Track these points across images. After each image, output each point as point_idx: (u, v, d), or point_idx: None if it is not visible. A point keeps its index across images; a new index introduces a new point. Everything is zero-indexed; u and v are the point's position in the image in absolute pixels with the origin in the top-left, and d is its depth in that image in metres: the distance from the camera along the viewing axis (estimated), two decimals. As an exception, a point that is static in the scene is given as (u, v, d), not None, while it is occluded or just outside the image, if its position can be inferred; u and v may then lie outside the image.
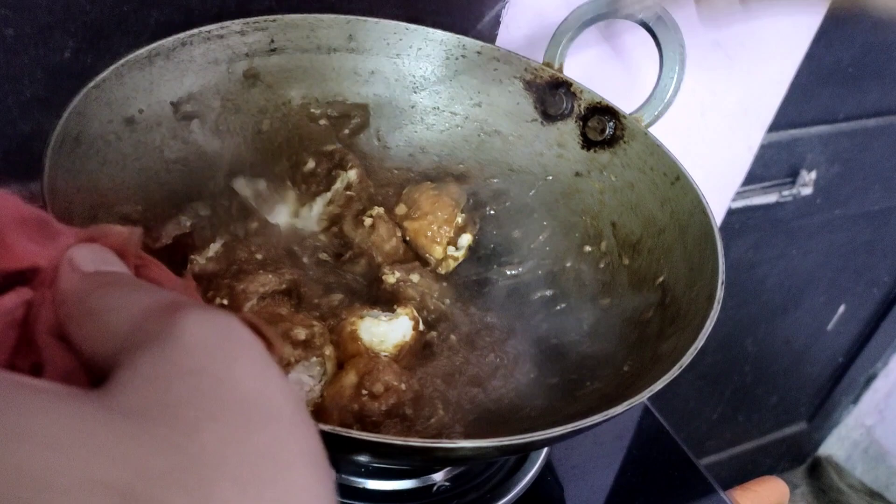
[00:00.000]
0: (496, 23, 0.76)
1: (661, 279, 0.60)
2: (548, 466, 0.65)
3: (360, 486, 0.58)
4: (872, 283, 1.72)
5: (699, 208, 0.60)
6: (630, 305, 0.61)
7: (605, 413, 0.44)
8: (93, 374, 0.26)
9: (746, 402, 1.77)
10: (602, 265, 0.65)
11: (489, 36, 0.76)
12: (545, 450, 0.65)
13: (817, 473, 2.10)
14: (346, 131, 0.70)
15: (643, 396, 0.46)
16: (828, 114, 1.25)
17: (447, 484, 0.60)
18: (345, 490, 0.57)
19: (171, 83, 0.61)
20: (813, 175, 1.27)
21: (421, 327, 0.57)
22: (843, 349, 1.85)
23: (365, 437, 0.38)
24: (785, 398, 1.87)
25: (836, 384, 1.92)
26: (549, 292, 0.66)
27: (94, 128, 0.55)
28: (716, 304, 0.52)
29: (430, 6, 0.72)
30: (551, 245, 0.68)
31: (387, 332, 0.54)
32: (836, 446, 2.10)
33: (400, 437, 0.39)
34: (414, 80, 0.71)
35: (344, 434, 0.38)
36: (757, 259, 1.41)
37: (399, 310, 0.56)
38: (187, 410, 0.22)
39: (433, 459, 0.42)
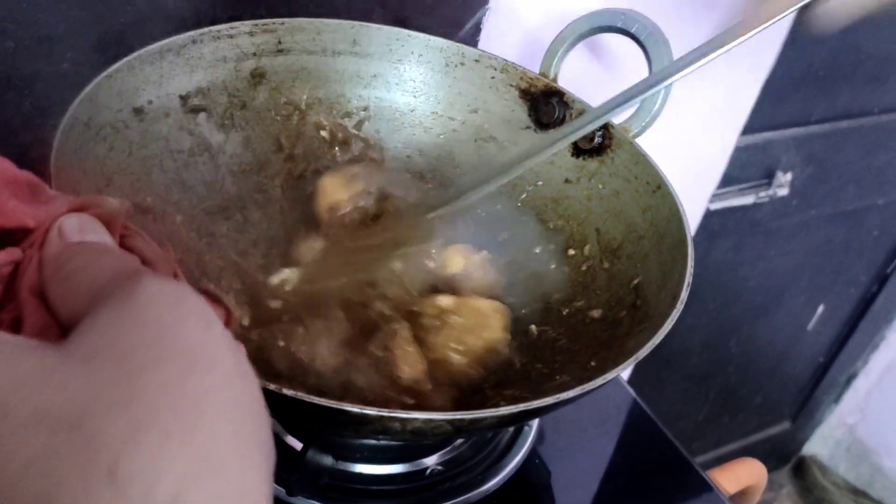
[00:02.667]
0: (477, 30, 0.79)
1: (635, 282, 0.62)
2: (535, 451, 0.67)
3: (353, 470, 0.61)
4: (850, 283, 1.75)
5: (676, 216, 0.62)
6: (605, 306, 0.63)
7: (557, 396, 0.47)
8: (65, 332, 0.30)
9: (731, 402, 1.80)
10: (584, 268, 0.67)
11: (470, 43, 0.79)
12: (531, 435, 0.67)
13: (802, 472, 2.12)
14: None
15: (596, 384, 0.48)
16: (801, 116, 1.27)
17: (440, 468, 0.62)
18: (337, 474, 0.60)
19: (181, 77, 0.65)
20: (788, 176, 1.30)
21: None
22: (824, 349, 1.88)
23: (317, 402, 0.41)
24: (769, 398, 1.89)
25: (818, 384, 1.94)
26: (531, 292, 0.68)
27: (104, 115, 0.58)
28: (679, 304, 0.54)
29: (411, 12, 0.76)
30: (537, 248, 0.70)
31: None
32: (819, 445, 2.12)
33: (356, 404, 0.42)
34: (414, 84, 0.74)
35: (290, 395, 0.40)
36: (737, 260, 1.43)
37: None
38: (135, 356, 0.25)
39: (387, 431, 0.44)
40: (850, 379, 2.01)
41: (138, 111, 0.62)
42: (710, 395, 1.76)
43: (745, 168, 1.25)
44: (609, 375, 0.48)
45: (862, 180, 1.49)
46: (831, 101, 1.31)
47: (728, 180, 1.21)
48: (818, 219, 1.50)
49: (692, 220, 1.19)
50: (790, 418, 2.03)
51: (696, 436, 1.85)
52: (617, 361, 0.53)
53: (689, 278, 0.56)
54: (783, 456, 2.15)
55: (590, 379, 0.55)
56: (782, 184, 1.32)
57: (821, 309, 1.75)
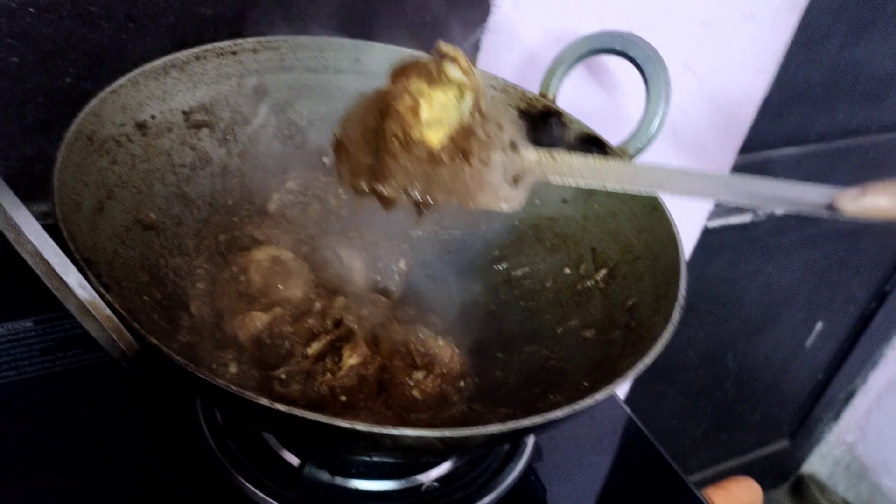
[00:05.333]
0: (475, 49, 0.80)
1: (630, 303, 0.63)
2: (531, 468, 0.67)
3: (350, 485, 0.61)
4: (848, 300, 1.74)
5: (671, 239, 0.62)
6: (599, 326, 0.64)
7: (546, 416, 0.47)
8: None
9: (729, 419, 1.79)
10: (579, 287, 0.68)
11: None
12: (527, 453, 0.68)
13: (800, 491, 2.11)
14: None
15: (586, 404, 0.48)
16: (798, 134, 1.27)
17: (435, 484, 0.63)
18: (334, 490, 0.60)
19: (184, 93, 0.66)
20: None
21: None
22: (822, 366, 1.87)
23: (309, 418, 0.42)
24: (767, 415, 1.88)
25: (817, 401, 1.93)
26: (527, 310, 0.69)
27: (108, 129, 0.59)
28: (670, 325, 0.54)
29: (411, 31, 0.77)
30: (533, 265, 0.71)
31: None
32: (818, 464, 2.10)
33: (346, 420, 0.42)
34: (415, 103, 0.75)
35: (283, 411, 0.41)
36: (735, 276, 1.43)
37: None
38: None
39: (378, 447, 0.45)
40: (850, 397, 2.00)
41: (142, 126, 0.62)
42: (707, 411, 1.75)
43: None
44: (599, 395, 0.49)
45: (861, 198, 1.49)
46: (829, 119, 1.31)
47: None
48: (816, 236, 1.50)
49: (689, 238, 1.20)
50: (789, 436, 2.02)
51: (693, 453, 1.84)
52: (609, 381, 0.54)
53: (681, 300, 0.57)
54: (781, 474, 2.13)
55: (582, 399, 0.56)
56: None
57: (819, 326, 1.75)
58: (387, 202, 0.49)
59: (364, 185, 0.49)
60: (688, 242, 1.19)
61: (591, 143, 0.71)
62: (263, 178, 0.71)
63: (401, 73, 0.50)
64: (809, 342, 1.77)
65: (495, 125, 0.54)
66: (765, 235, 1.39)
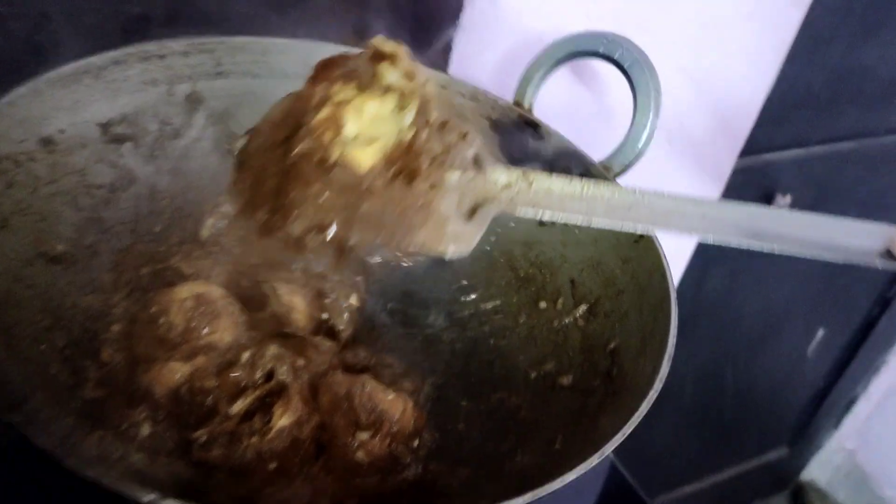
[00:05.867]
0: (447, 51, 0.72)
1: (612, 346, 0.55)
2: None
3: None
4: (850, 308, 1.71)
5: (659, 271, 0.54)
6: (577, 372, 0.56)
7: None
8: None
9: (727, 427, 1.75)
10: (556, 325, 0.60)
11: (439, 65, 0.72)
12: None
13: (800, 499, 2.08)
14: None
15: (554, 486, 0.40)
16: (801, 137, 1.22)
17: None
18: None
19: (101, 103, 0.57)
20: (788, 199, 1.24)
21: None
22: (823, 373, 1.83)
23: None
24: (766, 424, 1.85)
25: (817, 408, 1.89)
26: (497, 349, 0.61)
27: (4, 147, 0.51)
28: (657, 381, 0.46)
29: (372, 29, 0.69)
30: (505, 297, 0.63)
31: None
32: (817, 471, 2.07)
33: None
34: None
35: None
36: (734, 287, 1.38)
37: None
38: None
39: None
40: (851, 404, 1.96)
41: (47, 141, 0.54)
42: (705, 420, 1.70)
43: (742, 191, 1.19)
44: (569, 476, 0.41)
45: (864, 204, 1.44)
46: (833, 121, 1.25)
47: None
48: None
49: (686, 248, 1.12)
50: (788, 444, 1.98)
51: (690, 462, 1.79)
52: (584, 447, 0.46)
53: (671, 346, 0.49)
54: (780, 482, 2.09)
55: (555, 462, 0.48)
56: (781, 206, 1.27)
57: (821, 333, 1.71)
58: (295, 244, 0.40)
59: (263, 219, 0.40)
60: (682, 256, 1.12)
61: (571, 159, 0.63)
62: (199, 199, 0.62)
63: (321, 73, 0.41)
64: (811, 350, 1.74)
65: (457, 135, 0.45)
66: None
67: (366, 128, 0.40)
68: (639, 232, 0.46)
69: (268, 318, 0.55)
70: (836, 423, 1.99)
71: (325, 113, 0.39)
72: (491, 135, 0.66)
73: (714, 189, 1.08)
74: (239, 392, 0.48)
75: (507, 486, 0.48)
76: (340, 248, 0.40)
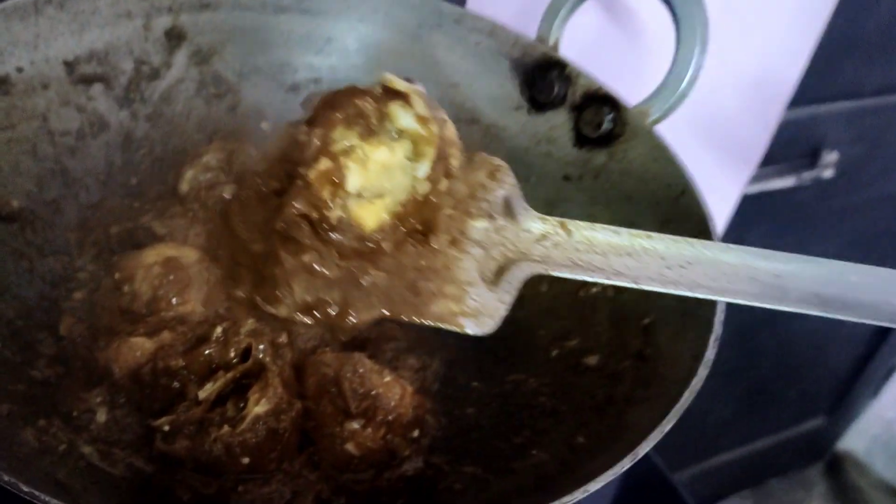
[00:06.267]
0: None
1: (646, 321, 0.47)
2: None
3: None
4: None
5: (705, 232, 0.47)
6: (605, 351, 0.48)
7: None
8: None
9: (762, 397, 1.70)
10: (581, 295, 0.52)
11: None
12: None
13: (836, 470, 2.03)
14: None
15: (574, 497, 0.33)
16: (852, 88, 1.15)
17: None
18: None
19: (66, 38, 0.50)
20: (834, 156, 1.17)
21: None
22: (864, 340, 1.77)
23: None
24: (804, 392, 1.79)
25: (857, 377, 1.84)
26: (515, 321, 0.53)
27: (-52, 87, 0.44)
28: (700, 368, 0.39)
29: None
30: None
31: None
32: (855, 441, 2.03)
33: None
34: (379, 52, 0.59)
35: None
36: (774, 247, 1.32)
37: None
38: None
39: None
40: (891, 372, 1.90)
41: (2, 81, 0.47)
42: (739, 389, 1.65)
43: (786, 147, 1.12)
44: (593, 485, 0.34)
45: (916, 159, 1.36)
46: (887, 71, 1.17)
47: (767, 160, 1.08)
48: (864, 202, 1.37)
49: (726, 208, 1.04)
50: (825, 413, 1.94)
51: (722, 432, 1.74)
52: (611, 444, 0.39)
53: (717, 326, 0.42)
54: (816, 452, 2.05)
55: (576, 461, 0.41)
56: (827, 164, 1.20)
57: (863, 298, 1.65)
58: (282, 321, 0.33)
59: (244, 297, 0.33)
60: (721, 216, 1.04)
61: (602, 103, 0.55)
62: (181, 148, 0.56)
63: (321, 114, 0.34)
64: (852, 316, 1.68)
65: (486, 172, 0.39)
66: (808, 202, 1.27)
67: (372, 180, 0.33)
68: (699, 297, 0.39)
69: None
70: (875, 391, 1.93)
71: (323, 165, 0.32)
72: (511, 76, 0.58)
73: (759, 144, 1.00)
74: (209, 374, 0.42)
75: (518, 487, 0.41)
76: (338, 327, 0.33)
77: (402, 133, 0.34)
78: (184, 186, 0.53)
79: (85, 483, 0.37)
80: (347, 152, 0.33)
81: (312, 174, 0.32)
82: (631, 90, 0.55)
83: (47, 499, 0.29)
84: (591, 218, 0.53)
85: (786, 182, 1.17)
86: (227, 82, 0.57)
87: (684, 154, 0.52)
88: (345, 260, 0.33)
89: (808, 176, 1.18)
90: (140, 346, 0.42)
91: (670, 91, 0.53)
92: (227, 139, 0.55)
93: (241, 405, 0.41)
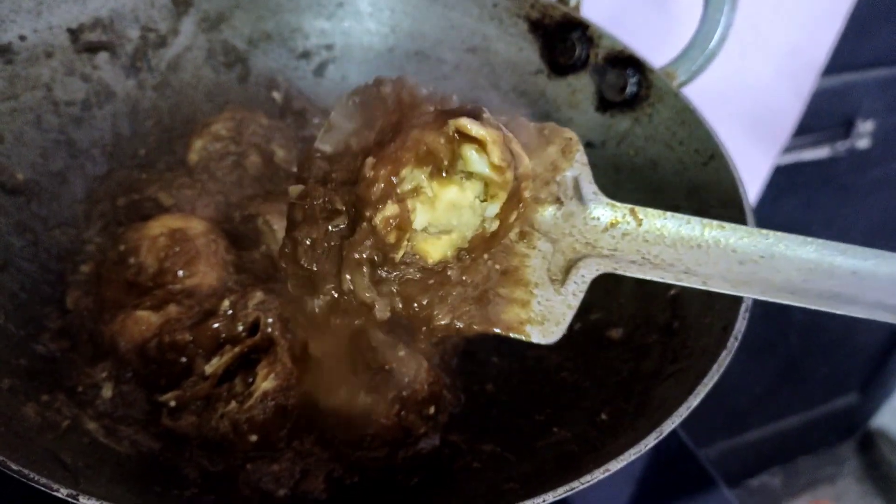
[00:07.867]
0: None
1: (673, 292, 0.45)
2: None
3: None
4: None
5: (735, 202, 0.44)
6: (630, 324, 0.46)
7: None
8: None
9: (794, 373, 1.66)
10: (605, 265, 0.50)
11: None
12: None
13: (869, 447, 1.97)
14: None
15: (594, 478, 0.31)
16: (888, 55, 1.11)
17: None
18: None
19: (69, 5, 0.49)
20: (870, 125, 1.14)
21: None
22: None
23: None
24: (836, 368, 1.75)
25: (890, 352, 1.78)
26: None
27: (-53, 56, 0.43)
28: (730, 341, 0.37)
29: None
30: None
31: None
32: (888, 418, 1.97)
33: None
34: (393, 15, 0.57)
35: None
36: (807, 220, 1.30)
37: None
38: None
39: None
40: None
41: (4, 50, 0.46)
42: (770, 365, 1.62)
43: (819, 116, 1.09)
44: (615, 464, 0.32)
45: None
46: None
47: (800, 130, 1.05)
48: None
49: (758, 179, 1.01)
50: (858, 389, 1.89)
51: (752, 409, 1.71)
52: (636, 420, 0.37)
53: (748, 299, 0.39)
54: (848, 429, 2.01)
55: (599, 438, 0.39)
56: (862, 133, 1.16)
57: (898, 272, 1.60)
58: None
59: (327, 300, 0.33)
60: (755, 186, 1.01)
61: (626, 65, 0.52)
62: (190, 118, 0.54)
63: (391, 149, 0.32)
64: (886, 288, 1.63)
65: (557, 149, 0.37)
66: (843, 173, 1.24)
67: (440, 218, 0.32)
68: (772, 300, 0.36)
69: (260, 258, 0.46)
70: (910, 367, 1.87)
71: (389, 211, 0.30)
72: (530, 39, 0.55)
73: (792, 113, 0.97)
74: (216, 348, 0.40)
75: (538, 465, 0.40)
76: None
77: (472, 176, 0.32)
78: (193, 157, 0.51)
79: (88, 461, 0.36)
80: (416, 193, 0.31)
81: (379, 219, 0.30)
82: (656, 52, 0.53)
83: (36, 477, 0.28)
84: (616, 186, 0.52)
85: (819, 152, 1.14)
86: (237, 50, 0.56)
87: (714, 124, 0.49)
88: (408, 285, 0.33)
89: (842, 146, 1.15)
90: (146, 320, 0.41)
91: (698, 51, 0.51)
92: (237, 108, 0.53)
93: (250, 380, 0.40)
